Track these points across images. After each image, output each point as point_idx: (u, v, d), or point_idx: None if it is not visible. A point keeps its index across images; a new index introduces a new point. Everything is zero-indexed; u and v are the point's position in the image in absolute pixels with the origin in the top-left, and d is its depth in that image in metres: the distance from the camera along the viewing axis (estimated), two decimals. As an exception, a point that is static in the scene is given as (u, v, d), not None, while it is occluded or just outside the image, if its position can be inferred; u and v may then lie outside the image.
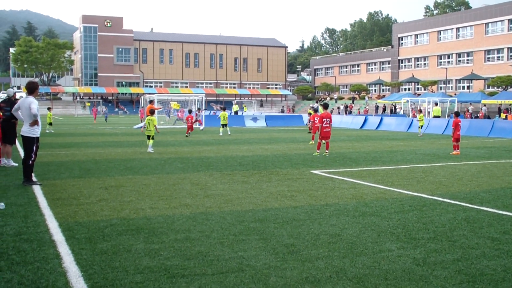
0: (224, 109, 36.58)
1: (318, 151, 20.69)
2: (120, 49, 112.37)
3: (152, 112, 22.51)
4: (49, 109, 39.67)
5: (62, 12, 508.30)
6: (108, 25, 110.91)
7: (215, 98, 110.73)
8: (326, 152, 20.62)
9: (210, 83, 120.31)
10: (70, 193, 11.32)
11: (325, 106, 22.27)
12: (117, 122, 56.03)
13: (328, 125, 20.67)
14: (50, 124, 37.53)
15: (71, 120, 59.77)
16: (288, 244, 7.41)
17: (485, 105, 54.26)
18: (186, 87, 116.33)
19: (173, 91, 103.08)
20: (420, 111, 42.15)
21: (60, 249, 7.03)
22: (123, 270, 6.17)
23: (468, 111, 58.14)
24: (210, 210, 9.69)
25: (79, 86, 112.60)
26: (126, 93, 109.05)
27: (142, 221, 8.71)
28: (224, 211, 9.57)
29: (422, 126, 36.43)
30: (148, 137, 21.45)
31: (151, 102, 32.95)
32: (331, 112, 69.68)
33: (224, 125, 34.20)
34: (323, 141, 20.90)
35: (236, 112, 62.31)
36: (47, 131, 35.30)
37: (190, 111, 38.04)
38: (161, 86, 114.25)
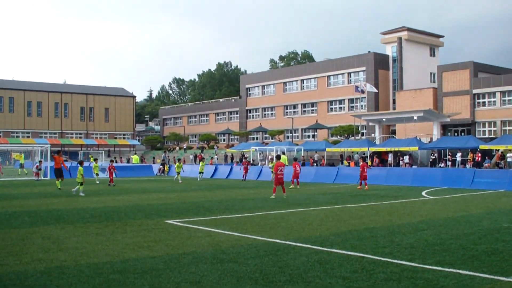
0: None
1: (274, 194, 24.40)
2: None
3: (80, 163, 28.20)
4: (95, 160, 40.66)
5: None
6: None
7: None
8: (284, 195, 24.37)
9: (55, 133, 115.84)
10: None
11: (278, 157, 26.56)
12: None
13: (281, 172, 24.35)
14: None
15: None
16: (150, 294, 7.37)
17: (357, 153, 55.58)
18: (28, 137, 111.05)
19: (13, 141, 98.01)
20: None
21: None
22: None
23: (312, 159, 60.80)
24: (65, 263, 9.36)
25: None
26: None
27: (-8, 279, 8.23)
28: (80, 264, 9.29)
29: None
30: (80, 183, 25.94)
31: (58, 152, 32.51)
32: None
33: (178, 173, 39.82)
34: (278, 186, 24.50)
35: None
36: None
37: (112, 161, 39.59)
38: (0, 136, 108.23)
